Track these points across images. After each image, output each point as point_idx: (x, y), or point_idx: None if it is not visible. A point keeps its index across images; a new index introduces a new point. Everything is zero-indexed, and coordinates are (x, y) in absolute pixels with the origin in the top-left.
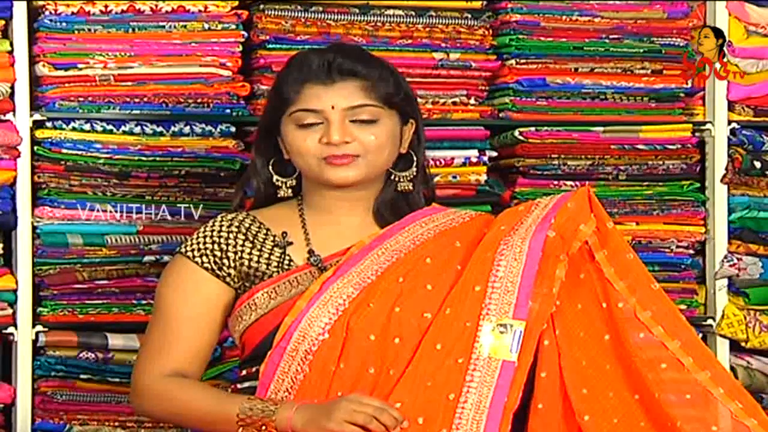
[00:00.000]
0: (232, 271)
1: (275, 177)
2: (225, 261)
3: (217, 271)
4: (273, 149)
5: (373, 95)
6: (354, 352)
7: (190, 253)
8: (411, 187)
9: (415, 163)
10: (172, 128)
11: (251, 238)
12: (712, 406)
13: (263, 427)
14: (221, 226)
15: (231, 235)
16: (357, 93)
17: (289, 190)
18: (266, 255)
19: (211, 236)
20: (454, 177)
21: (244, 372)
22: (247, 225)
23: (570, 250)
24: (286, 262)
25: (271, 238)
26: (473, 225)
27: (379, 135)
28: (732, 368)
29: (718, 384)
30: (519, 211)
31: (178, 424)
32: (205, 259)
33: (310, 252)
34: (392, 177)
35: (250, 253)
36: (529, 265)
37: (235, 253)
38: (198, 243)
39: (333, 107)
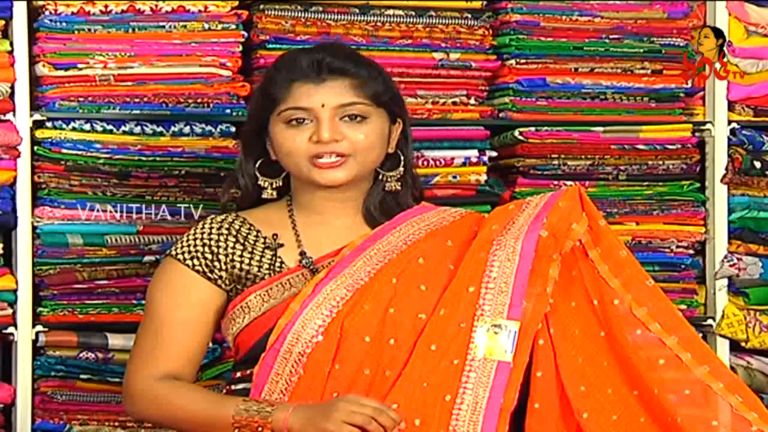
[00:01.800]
0: (223, 274)
1: (260, 178)
2: (216, 263)
3: (209, 274)
4: (260, 150)
5: (362, 93)
6: (349, 354)
7: (180, 256)
8: (399, 187)
9: (402, 163)
10: (172, 128)
11: (242, 240)
12: (711, 401)
13: (259, 429)
14: (211, 228)
15: (222, 238)
16: (347, 91)
17: (274, 192)
18: (257, 257)
19: (202, 238)
20: (454, 177)
21: (238, 374)
22: (237, 227)
23: (563, 250)
24: (278, 264)
25: (262, 240)
26: (464, 224)
27: (368, 134)
28: (732, 368)
29: (718, 378)
30: (510, 210)
31: (172, 427)
32: (196, 261)
33: (302, 254)
34: (380, 177)
35: (241, 256)
36: (523, 265)
37: (227, 255)
38: (188, 245)
39: (323, 105)
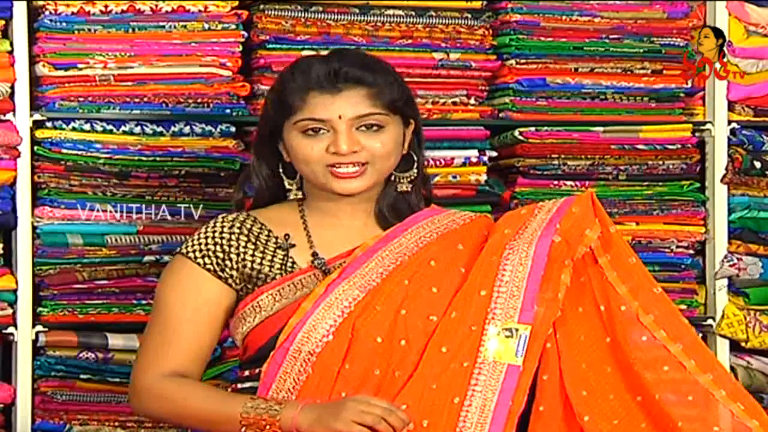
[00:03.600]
0: (234, 273)
1: (286, 181)
2: (227, 262)
3: (220, 273)
4: (274, 152)
5: (379, 103)
6: (360, 354)
7: (191, 254)
8: (410, 188)
9: (416, 164)
10: (172, 128)
11: (253, 240)
12: (713, 408)
13: (267, 427)
14: (223, 226)
15: (233, 237)
16: (363, 101)
17: (299, 192)
18: (269, 257)
19: (213, 237)
20: (454, 177)
21: (246, 372)
22: (248, 226)
23: (575, 255)
24: (290, 264)
25: (273, 240)
26: (474, 227)
27: (385, 142)
28: (732, 368)
29: (720, 386)
30: (522, 215)
31: (178, 424)
32: (207, 260)
33: (314, 254)
34: (393, 178)
35: (252, 255)
36: (535, 269)
37: (238, 254)
38: (200, 244)
39: (340, 117)
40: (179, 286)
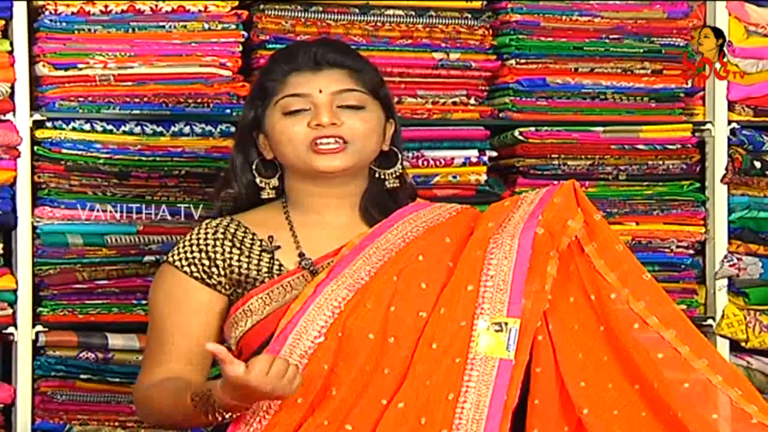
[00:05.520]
0: (222, 279)
1: (258, 178)
2: (214, 269)
3: (207, 280)
4: (254, 149)
5: (359, 82)
6: (352, 353)
7: (177, 263)
8: (398, 184)
9: (400, 160)
10: (172, 128)
11: (238, 245)
12: (711, 395)
13: (209, 393)
14: (206, 233)
15: (218, 243)
16: (344, 79)
17: (272, 192)
18: (255, 261)
19: (198, 244)
20: (454, 177)
21: None
22: (232, 230)
23: (560, 246)
24: (277, 266)
25: (258, 243)
26: (461, 219)
27: (367, 120)
28: None
29: (717, 371)
30: (505, 207)
31: (170, 427)
32: (193, 268)
33: (301, 255)
34: (377, 174)
35: (239, 260)
36: (520, 262)
37: (224, 260)
38: (185, 252)
39: (321, 91)
40: (169, 296)
